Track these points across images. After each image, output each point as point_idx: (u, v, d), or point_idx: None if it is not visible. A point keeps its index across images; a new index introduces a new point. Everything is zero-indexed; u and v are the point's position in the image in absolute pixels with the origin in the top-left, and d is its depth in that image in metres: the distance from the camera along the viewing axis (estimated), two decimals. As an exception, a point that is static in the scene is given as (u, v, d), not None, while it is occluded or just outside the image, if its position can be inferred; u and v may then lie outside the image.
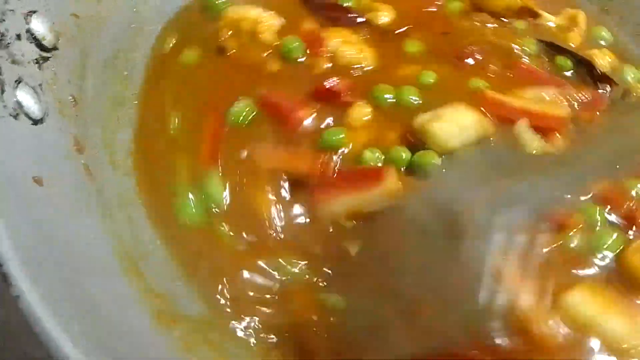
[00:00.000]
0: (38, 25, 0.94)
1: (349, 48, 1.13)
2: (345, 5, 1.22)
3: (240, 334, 0.86)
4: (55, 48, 0.97)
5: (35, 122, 0.86)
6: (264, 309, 0.87)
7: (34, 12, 0.93)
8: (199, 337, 0.84)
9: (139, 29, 1.18)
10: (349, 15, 1.20)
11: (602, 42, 1.39)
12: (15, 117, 0.82)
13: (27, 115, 0.84)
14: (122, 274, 0.83)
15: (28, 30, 0.90)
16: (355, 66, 1.11)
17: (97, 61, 1.06)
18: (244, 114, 1.03)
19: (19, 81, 0.85)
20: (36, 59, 0.92)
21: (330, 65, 1.10)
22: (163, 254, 0.91)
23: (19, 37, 0.88)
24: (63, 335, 0.62)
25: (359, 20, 1.20)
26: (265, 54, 1.11)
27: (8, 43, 0.85)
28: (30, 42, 0.91)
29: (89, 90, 1.02)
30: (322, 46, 1.10)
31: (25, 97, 0.85)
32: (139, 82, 1.12)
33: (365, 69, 1.12)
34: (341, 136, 0.99)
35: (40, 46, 0.94)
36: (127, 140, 1.04)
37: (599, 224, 0.96)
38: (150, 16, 1.21)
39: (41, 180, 0.80)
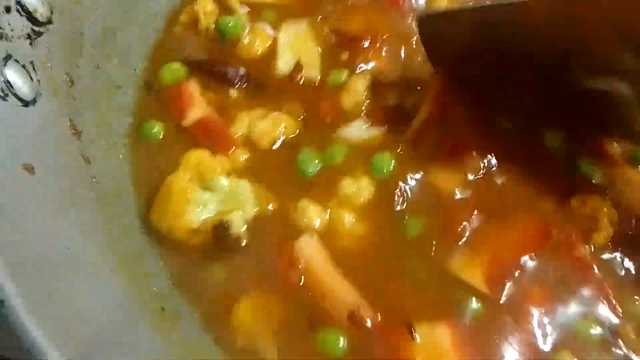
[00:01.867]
0: (29, -5, 0.87)
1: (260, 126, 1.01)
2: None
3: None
4: (49, 22, 0.89)
5: (26, 103, 0.79)
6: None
7: (25, -19, 0.85)
8: (197, 340, 0.79)
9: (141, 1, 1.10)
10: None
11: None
12: (4, 98, 0.75)
13: (16, 96, 0.77)
14: (114, 273, 0.77)
15: (18, 2, 0.82)
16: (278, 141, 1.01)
17: (95, 37, 0.98)
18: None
19: (7, 58, 0.77)
20: (27, 34, 0.84)
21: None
22: (156, 253, 0.85)
23: (7, 9, 0.80)
24: (49, 344, 0.57)
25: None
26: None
27: (-5, 16, 0.77)
28: (21, 15, 0.83)
29: (85, 69, 0.94)
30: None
31: (15, 76, 0.78)
32: (139, 62, 1.04)
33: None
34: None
35: (32, 20, 0.86)
36: (126, 123, 0.97)
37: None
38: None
39: (32, 168, 0.73)
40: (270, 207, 0.92)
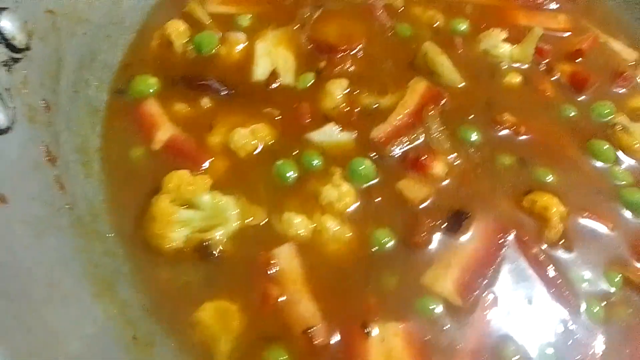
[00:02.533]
0: (7, 24, 0.87)
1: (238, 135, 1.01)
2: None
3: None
4: (27, 48, 0.90)
5: (1, 131, 0.80)
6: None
7: (3, 9, 0.86)
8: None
9: (119, 25, 1.11)
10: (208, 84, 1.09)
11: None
12: (-22, 127, 0.76)
13: (-9, 125, 0.78)
14: (94, 299, 0.77)
15: (-5, 30, 0.83)
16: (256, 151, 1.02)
17: (73, 62, 0.99)
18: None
19: (-18, 87, 0.78)
20: (5, 61, 0.85)
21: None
22: (130, 280, 0.85)
23: (-17, 38, 0.81)
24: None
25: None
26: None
27: (-30, 45, 0.79)
28: (-1, 43, 0.85)
29: (63, 94, 0.95)
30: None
31: (-10, 105, 0.79)
32: (118, 84, 1.05)
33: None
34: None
35: (10, 47, 0.87)
36: (104, 148, 0.98)
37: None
38: (132, 10, 1.15)
39: (4, 197, 0.74)
40: (252, 219, 0.93)
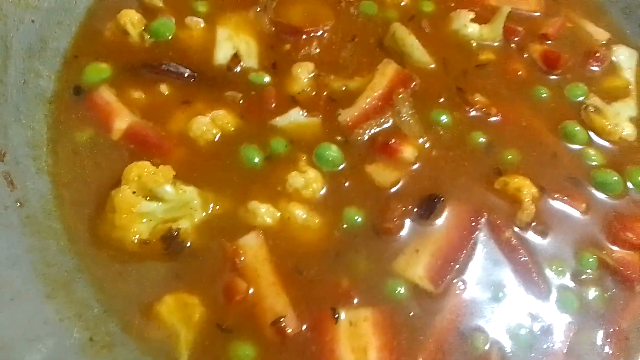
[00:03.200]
0: (-53, 10, 0.82)
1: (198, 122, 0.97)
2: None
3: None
4: (-31, 36, 0.85)
5: (-58, 126, 0.75)
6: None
7: (-59, -7, 0.81)
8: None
9: (70, 12, 1.06)
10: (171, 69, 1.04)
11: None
12: None
13: None
14: (46, 299, 0.73)
15: None
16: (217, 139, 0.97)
17: (21, 50, 0.94)
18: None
19: None
20: (-56, 50, 0.80)
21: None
22: (86, 278, 0.81)
23: None
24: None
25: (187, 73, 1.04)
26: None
27: None
28: None
29: (11, 85, 0.90)
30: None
31: None
32: (72, 73, 1.00)
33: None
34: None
35: (-50, 35, 0.82)
36: (56, 140, 0.93)
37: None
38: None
39: (-54, 197, 0.70)
40: (218, 208, 0.90)
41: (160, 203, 0.87)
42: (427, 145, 1.02)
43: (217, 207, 0.91)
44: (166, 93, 1.02)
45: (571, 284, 0.92)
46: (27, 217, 0.81)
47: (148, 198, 0.87)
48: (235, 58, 1.08)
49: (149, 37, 1.07)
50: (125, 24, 1.06)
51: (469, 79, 1.14)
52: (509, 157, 1.03)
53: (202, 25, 1.12)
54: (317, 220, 0.92)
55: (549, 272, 0.93)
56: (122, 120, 0.96)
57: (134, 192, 0.85)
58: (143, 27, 1.08)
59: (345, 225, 0.92)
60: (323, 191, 0.95)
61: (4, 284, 0.70)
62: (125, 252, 0.84)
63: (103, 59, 1.03)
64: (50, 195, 0.87)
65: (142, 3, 1.12)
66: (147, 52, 1.06)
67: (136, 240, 0.85)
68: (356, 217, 0.92)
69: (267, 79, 1.06)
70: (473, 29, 1.20)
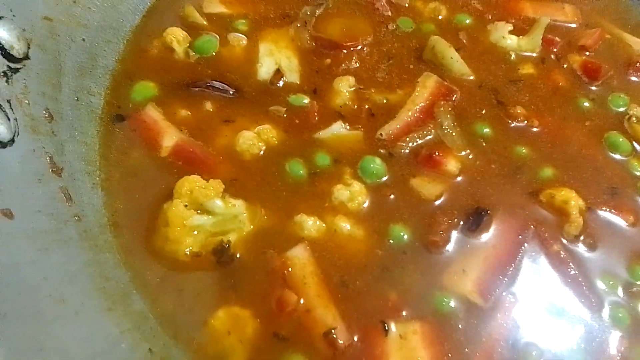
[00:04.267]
0: (4, 34, 0.85)
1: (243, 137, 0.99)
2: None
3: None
4: (26, 57, 0.88)
5: (4, 144, 0.77)
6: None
7: (0, 18, 0.84)
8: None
9: (118, 30, 1.09)
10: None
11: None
12: (-21, 141, 0.73)
13: (-7, 138, 0.76)
14: (106, 313, 0.75)
15: (-7, 40, 0.81)
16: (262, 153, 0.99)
17: (74, 69, 0.97)
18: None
19: (-19, 100, 0.76)
20: (4, 72, 0.82)
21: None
22: (141, 291, 0.82)
23: (-19, 48, 0.79)
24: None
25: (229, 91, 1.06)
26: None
27: (-34, 57, 0.76)
28: (-5, 53, 0.82)
29: (65, 103, 0.92)
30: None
31: (-9, 118, 0.76)
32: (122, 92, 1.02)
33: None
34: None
35: (8, 57, 0.84)
36: (109, 156, 0.95)
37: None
38: (130, 13, 1.12)
39: (11, 213, 0.72)
40: (265, 221, 0.92)
41: (210, 216, 0.89)
42: (470, 157, 1.03)
43: (265, 220, 0.92)
44: (211, 110, 1.03)
45: (623, 298, 0.91)
46: (84, 231, 0.82)
47: (199, 212, 0.88)
48: (278, 73, 1.10)
49: (193, 53, 1.10)
50: (172, 41, 1.09)
51: (509, 92, 1.14)
52: (553, 169, 1.03)
53: (245, 42, 1.14)
54: (362, 233, 0.92)
55: (600, 285, 0.92)
56: (170, 138, 0.98)
57: (185, 206, 0.86)
58: (188, 44, 1.11)
59: (391, 241, 0.92)
60: (366, 204, 0.95)
61: (68, 299, 0.71)
62: (178, 265, 0.85)
63: (151, 77, 1.06)
64: (104, 209, 0.89)
65: (185, 21, 1.15)
66: (192, 68, 1.08)
67: (188, 253, 0.86)
68: (402, 233, 0.92)
69: (306, 100, 1.06)
70: (512, 40, 1.21)
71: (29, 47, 0.89)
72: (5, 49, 0.84)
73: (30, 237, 0.73)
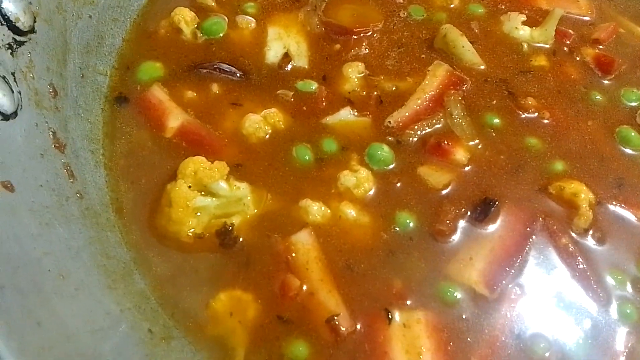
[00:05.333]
0: (10, 5, 0.83)
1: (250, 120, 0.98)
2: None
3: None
4: (31, 31, 0.86)
5: (6, 117, 0.76)
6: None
7: (7, -11, 0.83)
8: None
9: (124, 6, 1.07)
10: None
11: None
12: (-18, 112, 0.72)
13: (-4, 109, 0.74)
14: (106, 291, 0.74)
15: (-1, 11, 0.79)
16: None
17: (80, 45, 0.95)
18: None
19: (-14, 70, 0.74)
20: (9, 44, 0.81)
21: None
22: (142, 270, 0.81)
23: (-14, 20, 0.77)
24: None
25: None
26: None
27: (-27, 27, 0.75)
28: (2, 25, 0.80)
29: (70, 79, 0.91)
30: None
31: (-6, 89, 0.75)
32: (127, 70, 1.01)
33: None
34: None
35: (14, 29, 0.83)
36: (113, 135, 0.94)
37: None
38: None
39: (11, 186, 0.71)
40: (270, 205, 0.90)
41: (214, 198, 0.88)
42: (479, 147, 1.01)
43: (269, 204, 0.91)
44: (218, 92, 1.02)
45: (631, 293, 0.89)
46: (86, 209, 0.81)
47: (202, 193, 0.87)
48: (286, 57, 1.08)
49: (201, 34, 1.08)
50: (179, 22, 1.07)
51: (520, 82, 1.12)
52: (563, 161, 1.01)
53: (253, 25, 1.13)
54: (367, 219, 0.91)
55: (608, 280, 0.90)
56: (175, 119, 0.96)
57: (189, 187, 0.85)
58: (196, 25, 1.09)
59: (397, 228, 0.91)
60: (373, 191, 0.94)
61: (68, 275, 0.70)
62: (180, 246, 0.84)
63: (156, 57, 1.04)
64: (107, 188, 0.88)
65: (194, 2, 1.13)
66: (200, 50, 1.07)
67: (191, 234, 0.85)
68: (408, 221, 0.91)
69: (314, 86, 1.05)
70: (524, 31, 1.19)
71: (35, 21, 0.87)
72: (11, 21, 0.83)
73: (32, 211, 0.72)
